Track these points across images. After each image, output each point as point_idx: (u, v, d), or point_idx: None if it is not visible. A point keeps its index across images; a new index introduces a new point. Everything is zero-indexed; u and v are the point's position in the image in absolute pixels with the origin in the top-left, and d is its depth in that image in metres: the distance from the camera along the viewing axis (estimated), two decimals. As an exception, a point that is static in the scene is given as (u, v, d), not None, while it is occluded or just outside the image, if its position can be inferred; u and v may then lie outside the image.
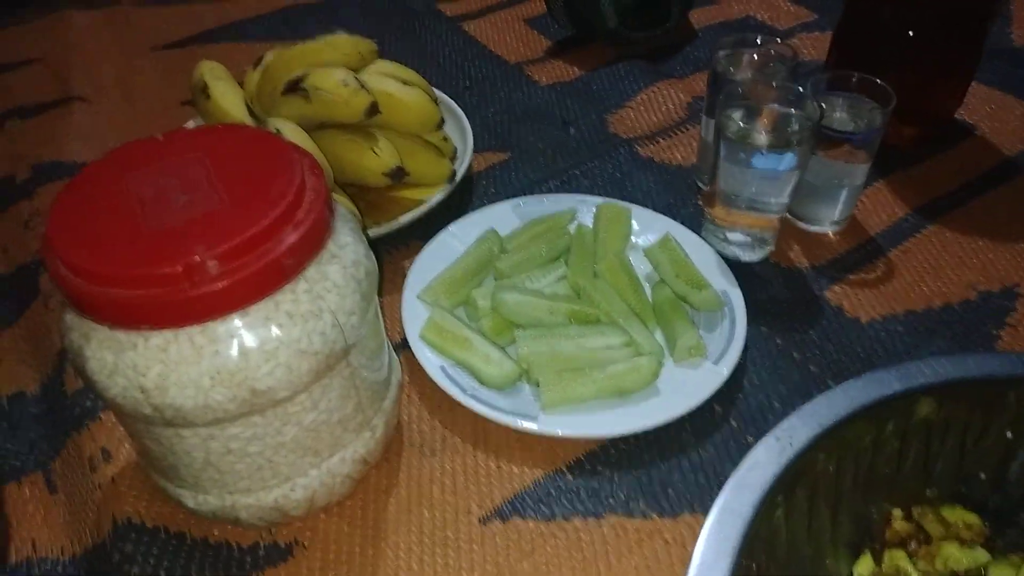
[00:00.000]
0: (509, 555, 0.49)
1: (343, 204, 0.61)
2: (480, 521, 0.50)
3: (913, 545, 0.46)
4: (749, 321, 0.62)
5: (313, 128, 0.65)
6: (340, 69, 0.63)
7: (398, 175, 0.64)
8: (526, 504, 0.51)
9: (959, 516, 0.47)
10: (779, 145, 0.63)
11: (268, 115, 0.67)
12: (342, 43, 0.68)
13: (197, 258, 0.37)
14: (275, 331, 0.40)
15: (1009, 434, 0.46)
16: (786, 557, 0.43)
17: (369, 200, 0.71)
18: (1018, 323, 0.62)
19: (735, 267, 0.64)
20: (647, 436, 0.54)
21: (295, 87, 0.63)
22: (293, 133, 0.61)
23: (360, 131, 0.65)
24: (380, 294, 0.56)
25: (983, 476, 0.48)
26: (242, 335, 0.39)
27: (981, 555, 0.45)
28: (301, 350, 0.41)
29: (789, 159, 0.62)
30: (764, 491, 0.40)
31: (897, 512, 0.47)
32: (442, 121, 0.69)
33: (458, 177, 0.71)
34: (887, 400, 0.44)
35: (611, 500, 0.51)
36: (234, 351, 0.39)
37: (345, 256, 0.44)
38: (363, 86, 0.62)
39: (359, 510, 0.51)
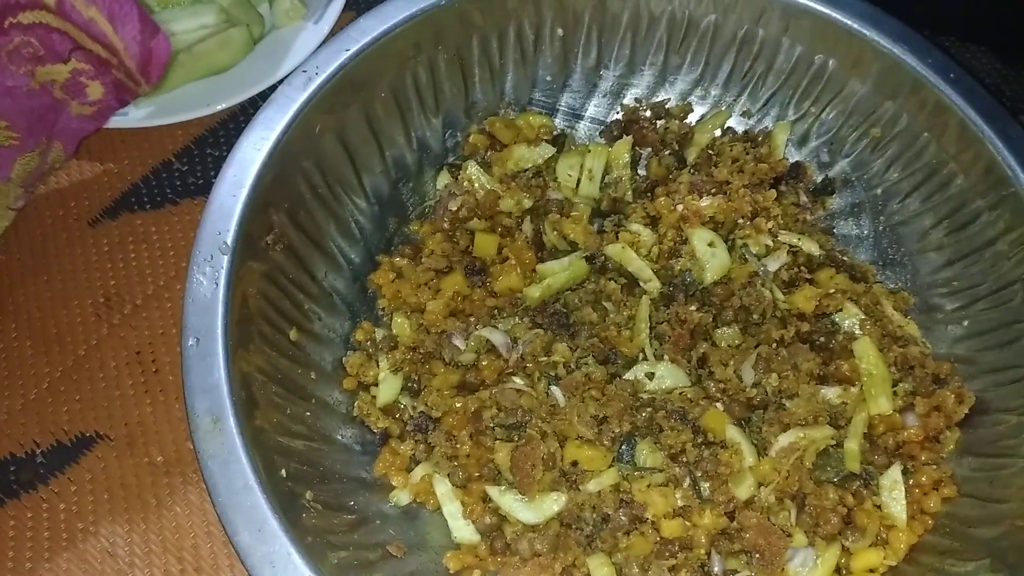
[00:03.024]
0: (123, 247, 0.50)
1: None
2: (90, 224, 0.50)
3: (489, 154, 0.50)
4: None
5: None
6: None
7: None
8: (137, 198, 0.51)
9: (528, 121, 0.50)
10: None
11: None
12: None
13: None
14: None
15: (560, 31, 0.48)
16: (354, 177, 0.46)
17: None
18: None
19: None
20: (255, 108, 0.54)
21: None
22: None
23: None
24: None
25: (549, 79, 0.51)
26: None
27: (547, 150, 0.49)
28: None
29: None
30: (288, 121, 0.41)
31: (473, 128, 0.50)
32: None
33: None
34: (425, 12, 0.44)
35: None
36: None
37: None
38: None
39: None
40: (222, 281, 0.36)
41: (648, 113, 0.51)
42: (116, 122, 0.51)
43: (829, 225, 0.48)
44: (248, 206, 0.38)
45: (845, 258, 0.46)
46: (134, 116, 0.51)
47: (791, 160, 0.49)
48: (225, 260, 0.37)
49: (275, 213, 0.40)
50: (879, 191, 0.46)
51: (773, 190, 0.46)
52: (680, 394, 0.42)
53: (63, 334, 0.47)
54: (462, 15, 0.46)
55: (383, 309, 0.46)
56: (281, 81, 0.50)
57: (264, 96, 0.52)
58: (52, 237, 0.50)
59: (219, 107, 0.51)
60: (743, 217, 0.46)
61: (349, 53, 0.42)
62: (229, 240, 0.37)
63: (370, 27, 0.43)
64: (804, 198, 0.48)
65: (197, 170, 0.52)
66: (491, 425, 0.41)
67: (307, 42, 0.54)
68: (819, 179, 0.49)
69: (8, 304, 0.48)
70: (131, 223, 0.50)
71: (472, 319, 0.44)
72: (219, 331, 0.35)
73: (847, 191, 0.48)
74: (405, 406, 0.43)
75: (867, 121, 0.46)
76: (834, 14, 0.44)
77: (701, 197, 0.46)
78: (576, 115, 0.52)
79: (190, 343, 0.35)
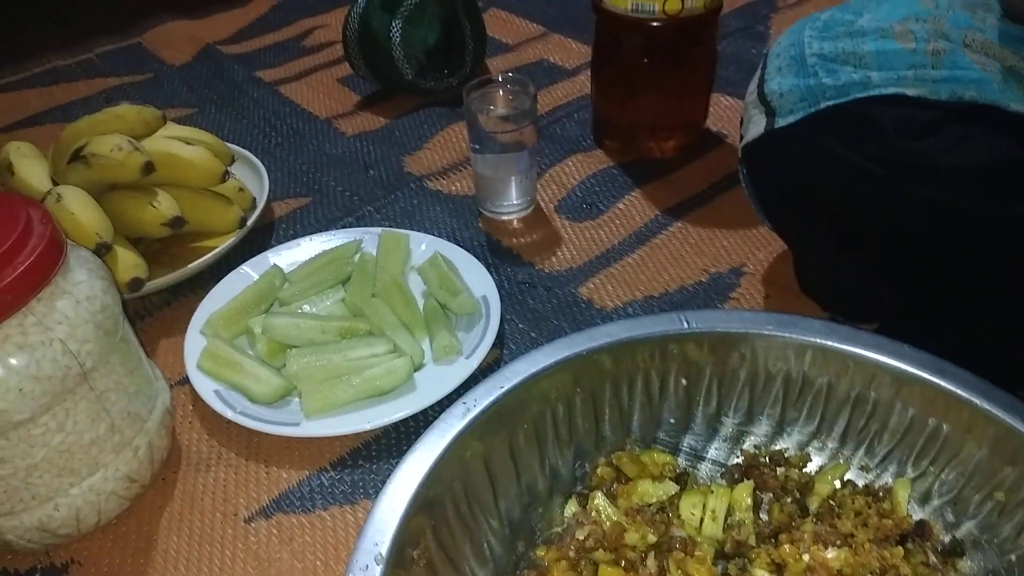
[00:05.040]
0: (270, 546, 0.54)
1: (121, 252, 0.67)
2: (245, 521, 0.55)
3: (615, 486, 0.53)
4: (512, 320, 0.70)
5: (103, 190, 0.71)
6: (116, 135, 0.69)
7: (176, 224, 0.70)
8: (290, 501, 0.57)
9: (652, 457, 0.54)
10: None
11: (61, 183, 0.72)
12: (126, 112, 0.75)
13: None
14: (4, 359, 0.45)
15: (684, 381, 0.55)
16: (492, 500, 0.49)
17: (172, 252, 0.77)
18: (740, 296, 0.71)
19: (507, 276, 0.73)
20: (407, 428, 0.61)
21: (76, 156, 0.69)
22: (73, 195, 0.67)
23: (143, 189, 0.71)
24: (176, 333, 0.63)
25: (673, 421, 0.56)
26: (-31, 366, 0.44)
27: (670, 487, 0.53)
28: (32, 375, 0.46)
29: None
30: (447, 445, 0.46)
31: (601, 460, 0.54)
32: (227, 174, 0.76)
33: (249, 223, 0.77)
34: (568, 360, 0.51)
35: (368, 488, 0.57)
36: (-38, 381, 0.44)
37: (78, 292, 0.49)
38: (137, 148, 0.69)
39: (134, 525, 0.55)
40: (374, 590, 0.39)
41: (767, 460, 0.54)
42: (286, 431, 0.58)
43: (964, 590, 0.47)
44: (404, 521, 0.42)
45: (986, 628, 0.44)
46: (305, 427, 0.58)
47: (915, 517, 0.50)
48: (378, 570, 0.40)
49: (424, 529, 0.44)
50: (1013, 557, 0.46)
51: (900, 547, 0.47)
52: None
53: (201, 627, 0.50)
54: (597, 364, 0.53)
55: (505, 635, 0.47)
56: (432, 406, 0.59)
57: (415, 417, 0.60)
58: (209, 528, 0.55)
59: (377, 424, 0.58)
60: (871, 573, 0.46)
61: (503, 390, 0.49)
62: (384, 551, 0.41)
63: (521, 369, 0.50)
64: (933, 558, 0.47)
65: (346, 480, 0.58)
66: None
67: (458, 374, 0.62)
68: (946, 539, 0.49)
69: (158, 591, 0.52)
70: (281, 524, 0.55)
71: (595, 656, 0.44)
72: (365, 640, 0.37)
73: (978, 554, 0.47)
74: None
75: (989, 484, 0.47)
76: (942, 383, 0.48)
77: (827, 548, 0.47)
78: (698, 456, 0.55)
79: (336, 650, 0.37)
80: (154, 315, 0.73)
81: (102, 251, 0.66)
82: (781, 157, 0.63)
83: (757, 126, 0.63)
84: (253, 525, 0.55)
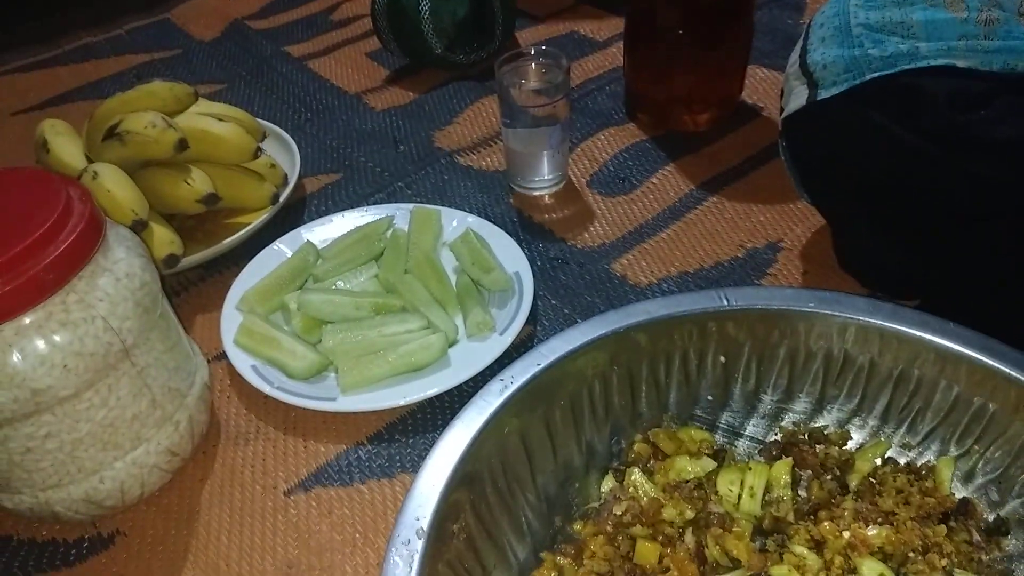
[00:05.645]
0: (309, 519, 0.55)
1: (156, 229, 0.67)
2: (285, 494, 0.56)
3: (652, 462, 0.53)
4: (545, 296, 0.70)
5: (137, 167, 0.71)
6: (150, 112, 0.70)
7: (210, 200, 0.70)
8: (328, 475, 0.57)
9: (689, 434, 0.54)
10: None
11: (96, 160, 0.73)
12: (159, 89, 0.75)
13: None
14: (49, 336, 0.46)
15: (722, 359, 0.54)
16: (529, 476, 0.50)
17: (205, 229, 0.77)
18: (777, 272, 0.70)
19: (539, 252, 0.72)
20: (441, 404, 0.61)
21: (111, 133, 0.70)
22: (109, 173, 0.68)
23: (177, 166, 0.71)
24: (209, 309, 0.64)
25: (711, 398, 0.55)
26: (16, 341, 0.45)
27: (708, 464, 0.52)
28: (76, 352, 0.47)
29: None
30: (485, 421, 0.46)
31: (638, 437, 0.54)
32: (259, 150, 0.76)
33: (281, 199, 0.77)
34: (604, 337, 0.51)
35: (405, 462, 0.57)
36: (9, 356, 0.45)
37: (118, 269, 0.50)
38: (171, 125, 0.69)
39: (176, 498, 0.56)
40: (415, 565, 0.39)
41: (806, 437, 0.53)
42: (323, 406, 0.59)
43: (1008, 568, 0.46)
44: (444, 496, 0.42)
45: (1032, 608, 0.43)
46: (341, 402, 0.59)
47: (958, 495, 0.49)
48: (420, 544, 0.40)
49: (463, 504, 0.44)
50: (1061, 538, 0.45)
51: (943, 525, 0.46)
52: None
53: (244, 597, 0.51)
54: (634, 341, 0.52)
55: (543, 608, 0.47)
56: (466, 382, 0.59)
57: (449, 393, 0.60)
58: (250, 500, 0.56)
59: (412, 399, 0.59)
60: (913, 551, 0.45)
61: (540, 367, 0.49)
62: (425, 526, 0.41)
63: (558, 347, 0.50)
64: (977, 536, 0.47)
65: (383, 454, 0.58)
66: None
67: (492, 350, 0.62)
68: (991, 518, 0.48)
69: (202, 558, 0.53)
70: (320, 497, 0.56)
71: (633, 630, 0.44)
72: (408, 614, 0.37)
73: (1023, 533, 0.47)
74: None
75: (1037, 464, 0.46)
76: (990, 361, 0.47)
77: (868, 526, 0.46)
78: (736, 433, 0.55)
79: (380, 623, 0.37)
80: (189, 291, 0.74)
81: (138, 228, 0.67)
82: (823, 130, 0.61)
83: (799, 98, 0.62)
84: (292, 498, 0.56)
